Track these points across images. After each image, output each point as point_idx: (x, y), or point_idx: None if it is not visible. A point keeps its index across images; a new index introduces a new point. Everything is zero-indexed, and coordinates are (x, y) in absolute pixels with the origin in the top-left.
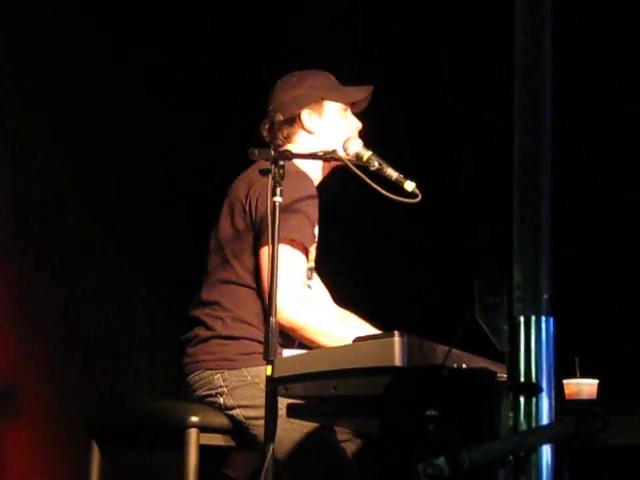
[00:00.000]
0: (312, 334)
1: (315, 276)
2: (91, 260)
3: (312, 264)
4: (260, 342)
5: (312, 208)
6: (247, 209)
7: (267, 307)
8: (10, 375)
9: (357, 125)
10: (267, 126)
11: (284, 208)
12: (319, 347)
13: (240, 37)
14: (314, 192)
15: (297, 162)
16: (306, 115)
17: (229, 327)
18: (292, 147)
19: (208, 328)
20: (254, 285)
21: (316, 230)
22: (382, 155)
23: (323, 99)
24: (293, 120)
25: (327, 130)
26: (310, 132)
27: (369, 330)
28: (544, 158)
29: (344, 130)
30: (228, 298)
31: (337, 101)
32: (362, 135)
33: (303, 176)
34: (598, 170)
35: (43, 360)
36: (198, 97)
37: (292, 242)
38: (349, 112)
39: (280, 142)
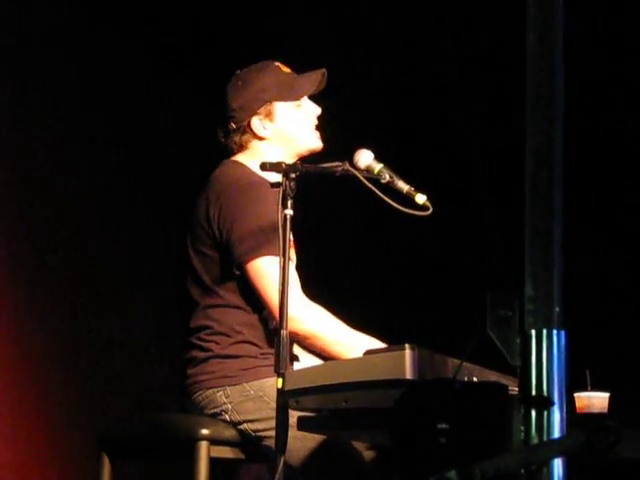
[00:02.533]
0: (325, 343)
1: None
2: (100, 272)
3: (293, 255)
4: (259, 357)
5: (268, 214)
6: (212, 233)
7: (263, 319)
8: (18, 389)
9: (315, 112)
10: (222, 133)
11: (238, 226)
12: (333, 356)
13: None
14: (266, 192)
15: (253, 166)
16: (257, 122)
17: (225, 348)
18: (246, 155)
19: (205, 350)
20: (241, 305)
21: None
22: (393, 168)
23: (271, 101)
24: (244, 129)
25: (281, 132)
26: (262, 139)
27: (367, 338)
28: (556, 169)
29: (300, 125)
30: (217, 321)
31: (285, 101)
32: (371, 144)
33: (250, 184)
34: (611, 182)
35: (53, 373)
36: (203, 98)
37: (274, 251)
38: (305, 100)
39: (235, 150)
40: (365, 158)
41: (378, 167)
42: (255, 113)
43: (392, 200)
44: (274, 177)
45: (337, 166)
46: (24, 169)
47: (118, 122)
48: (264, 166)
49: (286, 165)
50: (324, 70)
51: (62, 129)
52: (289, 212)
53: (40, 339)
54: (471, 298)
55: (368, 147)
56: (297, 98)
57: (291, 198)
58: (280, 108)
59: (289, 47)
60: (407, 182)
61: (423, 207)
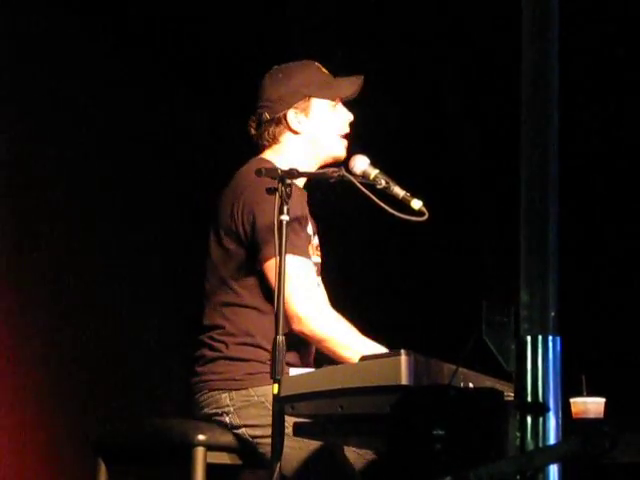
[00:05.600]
0: (335, 346)
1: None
2: (98, 274)
3: (318, 259)
4: (267, 363)
5: (299, 209)
6: (234, 228)
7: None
8: (15, 393)
9: (348, 118)
10: (254, 124)
11: (261, 223)
12: (338, 359)
13: (238, 34)
14: (299, 192)
15: (279, 164)
16: (292, 115)
17: (234, 350)
18: (278, 147)
19: (214, 350)
20: (257, 305)
21: (309, 228)
22: (389, 173)
23: (310, 96)
24: (279, 120)
25: (314, 130)
26: (296, 132)
27: (376, 345)
28: (551, 176)
29: (333, 127)
30: (231, 322)
31: (325, 98)
32: (368, 143)
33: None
34: (606, 187)
35: (49, 377)
36: (203, 99)
37: (293, 250)
38: (339, 105)
39: (266, 142)
40: (361, 164)
41: (374, 173)
42: (292, 106)
43: (388, 206)
44: (299, 181)
45: (333, 172)
46: (22, 173)
47: (122, 124)
48: (259, 172)
49: (282, 171)
50: (362, 76)
51: (62, 130)
52: (285, 218)
53: (36, 343)
54: (467, 304)
55: (364, 153)
56: (335, 98)
57: (286, 204)
58: (317, 105)
59: (290, 52)
60: (403, 188)
61: (419, 213)
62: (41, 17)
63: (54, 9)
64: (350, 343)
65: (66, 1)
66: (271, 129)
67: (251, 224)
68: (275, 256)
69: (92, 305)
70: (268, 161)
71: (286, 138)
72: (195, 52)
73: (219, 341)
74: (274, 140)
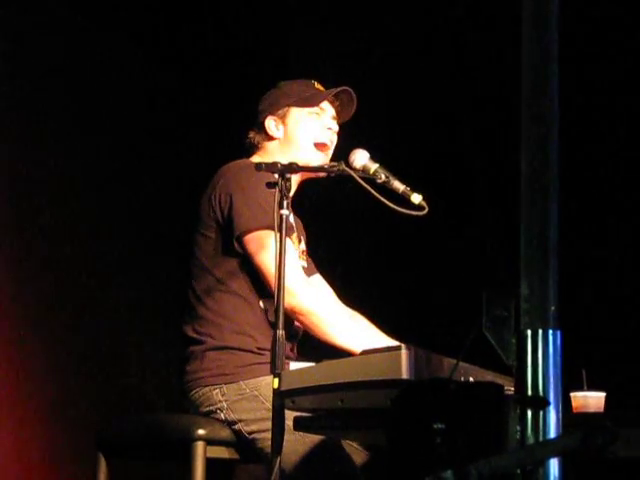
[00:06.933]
0: (318, 321)
1: (319, 277)
2: (98, 273)
3: (304, 263)
4: (254, 352)
5: (267, 194)
6: (213, 214)
7: (261, 309)
8: (15, 388)
9: (328, 126)
10: (246, 134)
11: (237, 201)
12: (322, 338)
13: (243, 40)
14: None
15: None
16: (271, 122)
17: (220, 339)
18: (260, 153)
19: (200, 343)
20: (239, 291)
21: (291, 218)
22: (389, 168)
23: (289, 106)
24: (260, 128)
25: (289, 134)
26: (273, 138)
27: (376, 332)
28: (552, 168)
29: (307, 132)
30: (214, 310)
31: (299, 106)
32: (367, 144)
33: (250, 167)
34: (606, 180)
35: (50, 373)
36: (205, 100)
37: (269, 226)
38: (324, 116)
39: (250, 148)
40: (361, 158)
41: (374, 167)
42: (271, 114)
43: (388, 200)
44: (296, 177)
45: (333, 166)
46: (23, 174)
47: (124, 123)
48: (259, 166)
49: (282, 165)
50: (346, 88)
51: (62, 129)
52: (285, 212)
53: (39, 340)
54: (467, 298)
55: (364, 147)
56: (311, 104)
57: (287, 198)
58: (294, 112)
59: (296, 50)
60: (403, 182)
61: (419, 207)
62: (40, 15)
63: (53, 7)
64: (331, 318)
65: None
66: (255, 138)
67: (229, 203)
68: (256, 230)
69: (94, 301)
70: (248, 160)
71: (266, 144)
72: (198, 52)
73: (204, 333)
74: (257, 146)
